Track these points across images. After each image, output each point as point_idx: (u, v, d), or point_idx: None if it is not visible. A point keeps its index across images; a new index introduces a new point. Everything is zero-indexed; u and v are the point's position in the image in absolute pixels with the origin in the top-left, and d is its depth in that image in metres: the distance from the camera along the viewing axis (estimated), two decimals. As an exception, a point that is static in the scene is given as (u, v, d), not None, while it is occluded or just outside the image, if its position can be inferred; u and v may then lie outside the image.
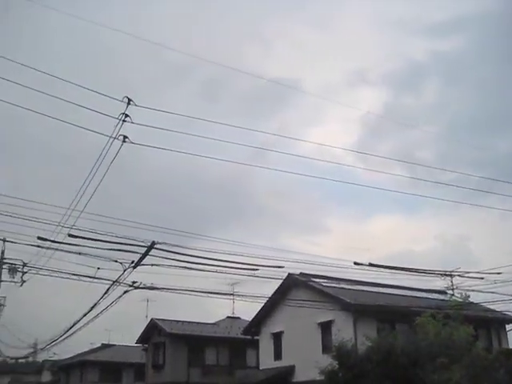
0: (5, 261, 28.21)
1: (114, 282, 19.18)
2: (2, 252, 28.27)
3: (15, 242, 19.17)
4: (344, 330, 25.20)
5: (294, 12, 75.83)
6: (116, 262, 17.97)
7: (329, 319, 27.73)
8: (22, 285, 28.39)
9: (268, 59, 78.20)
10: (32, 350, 42.99)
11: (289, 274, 26.99)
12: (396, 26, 79.92)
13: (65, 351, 49.42)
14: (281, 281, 27.12)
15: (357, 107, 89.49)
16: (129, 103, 12.41)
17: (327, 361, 23.47)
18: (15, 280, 28.48)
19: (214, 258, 18.04)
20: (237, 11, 72.64)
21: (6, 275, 29.34)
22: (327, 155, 24.69)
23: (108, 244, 16.72)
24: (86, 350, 53.58)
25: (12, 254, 26.53)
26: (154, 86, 67.27)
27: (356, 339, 24.55)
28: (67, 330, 27.52)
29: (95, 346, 54.43)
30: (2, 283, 30.81)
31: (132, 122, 12.69)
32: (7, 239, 21.24)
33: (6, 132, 58.61)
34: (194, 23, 69.88)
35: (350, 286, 28.66)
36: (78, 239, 16.57)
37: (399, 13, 78.40)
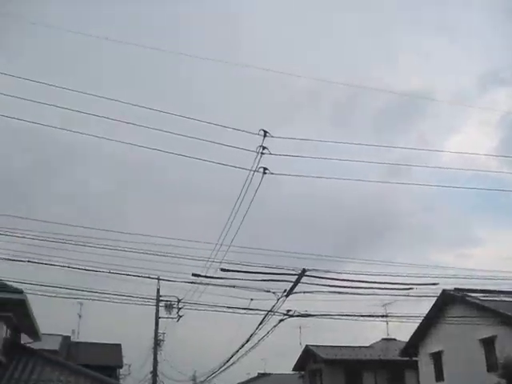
0: (161, 298, 29.55)
1: (268, 311, 19.40)
2: (158, 290, 29.58)
3: (170, 280, 20.01)
4: (509, 346, 23.79)
5: (414, 22, 74.06)
6: (268, 291, 18.21)
7: (490, 335, 26.31)
8: (178, 320, 29.68)
9: (396, 73, 76.78)
10: (192, 383, 44.24)
11: (443, 290, 26.01)
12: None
13: (223, 382, 50.41)
14: (435, 298, 26.30)
15: (494, 109, 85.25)
16: (265, 135, 12.69)
17: (493, 380, 22.30)
18: (172, 316, 29.89)
19: (365, 280, 17.84)
20: (357, 29, 72.23)
21: (163, 312, 30.84)
22: (469, 163, 23.77)
23: (259, 275, 17.02)
24: (243, 380, 54.25)
25: (166, 290, 27.94)
26: (284, 114, 68.04)
27: (523, 354, 23.09)
28: (226, 362, 28.05)
29: (252, 376, 54.96)
30: (160, 320, 32.32)
31: (270, 154, 12.95)
32: (161, 277, 22.08)
33: (149, 176, 61.48)
34: (316, 46, 70.23)
35: (510, 299, 27.10)
36: (229, 272, 17.02)
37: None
